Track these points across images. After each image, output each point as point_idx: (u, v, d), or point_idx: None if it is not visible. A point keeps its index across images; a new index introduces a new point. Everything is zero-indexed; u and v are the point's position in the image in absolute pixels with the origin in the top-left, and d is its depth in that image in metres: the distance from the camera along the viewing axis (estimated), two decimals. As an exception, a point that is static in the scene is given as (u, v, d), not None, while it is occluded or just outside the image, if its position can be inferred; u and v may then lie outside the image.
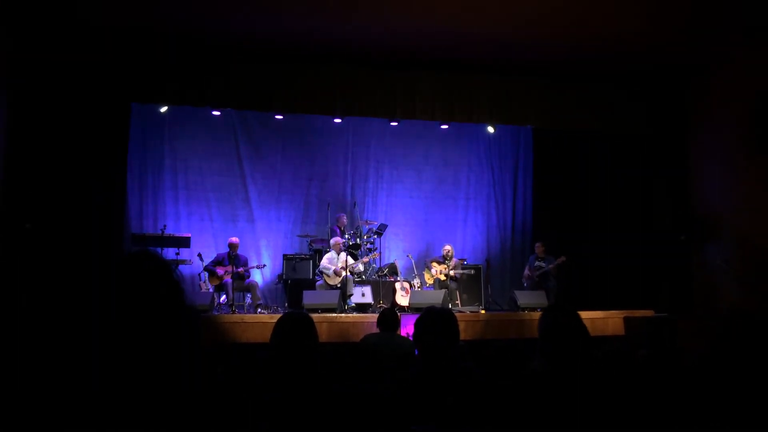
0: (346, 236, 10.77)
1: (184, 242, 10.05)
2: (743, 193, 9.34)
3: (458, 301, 10.53)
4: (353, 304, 9.79)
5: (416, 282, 10.60)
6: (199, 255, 9.98)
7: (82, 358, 1.12)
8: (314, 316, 3.97)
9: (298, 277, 10.39)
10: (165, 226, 10.07)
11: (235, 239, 10.10)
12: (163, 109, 10.34)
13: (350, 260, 10.12)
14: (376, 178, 12.43)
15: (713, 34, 8.92)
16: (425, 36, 8.98)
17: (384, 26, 8.68)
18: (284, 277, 10.56)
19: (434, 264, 10.75)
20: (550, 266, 10.49)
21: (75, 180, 9.54)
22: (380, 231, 11.13)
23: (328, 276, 10.01)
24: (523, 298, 9.74)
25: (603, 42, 9.08)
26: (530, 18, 8.37)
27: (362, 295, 9.88)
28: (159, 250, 9.18)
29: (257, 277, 10.60)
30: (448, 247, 10.75)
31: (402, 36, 8.99)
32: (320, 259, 10.34)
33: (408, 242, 12.19)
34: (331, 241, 10.29)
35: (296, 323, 3.05)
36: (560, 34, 8.84)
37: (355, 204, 11.93)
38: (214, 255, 10.12)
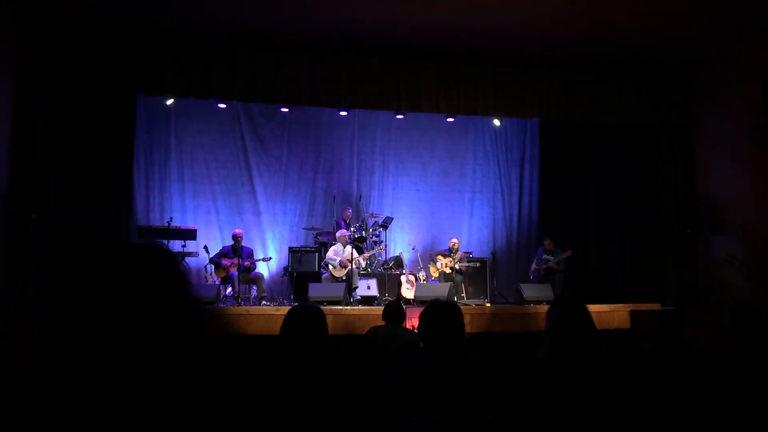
0: (352, 229, 10.79)
1: (191, 234, 10.06)
2: (749, 185, 9.31)
3: (464, 294, 10.53)
4: (359, 297, 9.82)
5: (422, 275, 10.61)
6: (205, 247, 10.00)
7: (86, 351, 1.12)
8: (320, 308, 3.97)
9: (303, 269, 10.41)
10: (171, 218, 10.09)
11: (239, 231, 10.12)
12: (169, 101, 10.36)
13: (356, 253, 10.15)
14: (382, 171, 12.43)
15: (720, 26, 8.88)
16: (430, 27, 8.96)
17: (389, 17, 8.67)
18: (290, 269, 10.59)
19: (440, 257, 10.75)
20: (556, 259, 10.52)
21: (81, 172, 9.61)
22: (386, 224, 11.13)
23: (334, 267, 10.02)
24: (529, 291, 9.72)
25: (609, 34, 9.05)
26: (535, 10, 8.34)
27: (368, 287, 9.89)
28: (165, 242, 9.21)
29: (263, 269, 10.63)
30: (454, 240, 10.77)
31: (407, 27, 8.96)
32: (326, 251, 10.36)
33: (413, 235, 12.19)
34: (337, 234, 10.31)
35: (307, 315, 3.06)
36: (566, 26, 8.80)
37: (360, 197, 11.95)
38: (220, 247, 10.15)
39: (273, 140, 11.97)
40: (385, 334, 5.54)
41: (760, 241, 8.97)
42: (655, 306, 9.28)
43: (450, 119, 10.89)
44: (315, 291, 9.07)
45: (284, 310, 8.13)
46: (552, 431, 2.73)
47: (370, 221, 11.34)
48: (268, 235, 11.78)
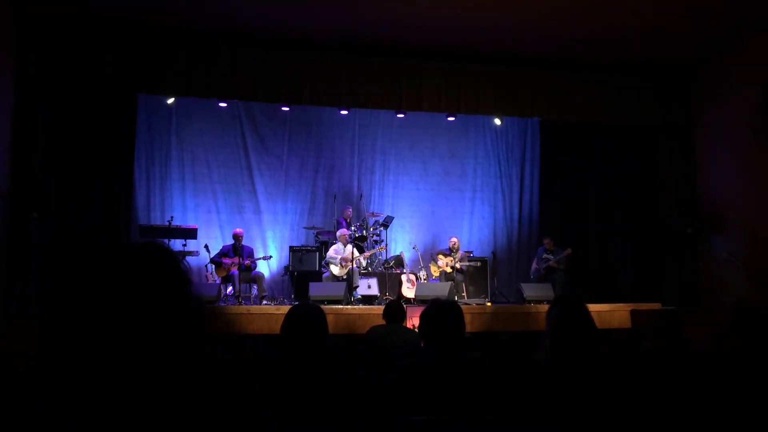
0: (352, 228, 10.79)
1: (191, 233, 10.07)
2: (749, 185, 9.30)
3: (464, 294, 10.54)
4: (359, 296, 9.82)
5: (422, 274, 10.60)
6: (206, 246, 10.00)
7: (86, 350, 1.13)
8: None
9: (304, 269, 10.41)
10: (172, 217, 10.10)
11: (239, 230, 10.13)
12: (170, 100, 10.36)
13: (356, 252, 10.15)
14: (383, 170, 12.43)
15: (720, 26, 8.88)
16: (430, 27, 8.96)
17: (389, 17, 8.66)
18: (291, 268, 10.59)
19: (440, 256, 10.75)
20: (556, 258, 10.54)
21: (82, 171, 9.61)
22: (387, 223, 11.13)
23: (335, 265, 10.03)
24: (530, 290, 9.72)
25: (609, 34, 9.05)
26: (535, 10, 8.34)
27: (368, 287, 9.89)
28: (166, 241, 9.22)
29: (263, 268, 10.63)
30: (454, 239, 10.77)
31: (407, 27, 8.96)
32: (326, 251, 10.36)
33: (414, 234, 12.19)
34: (338, 233, 10.31)
35: (307, 314, 3.06)
36: (566, 26, 8.81)
37: (361, 196, 11.94)
38: (221, 247, 10.15)
39: (274, 139, 11.98)
40: (386, 334, 5.54)
41: (760, 241, 8.97)
42: (656, 306, 9.28)
43: (451, 118, 10.88)
44: (315, 290, 9.07)
45: (285, 309, 8.13)
46: (552, 431, 2.74)
47: (371, 220, 11.35)
48: (269, 234, 11.78)
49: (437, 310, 3.20)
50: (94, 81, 8.88)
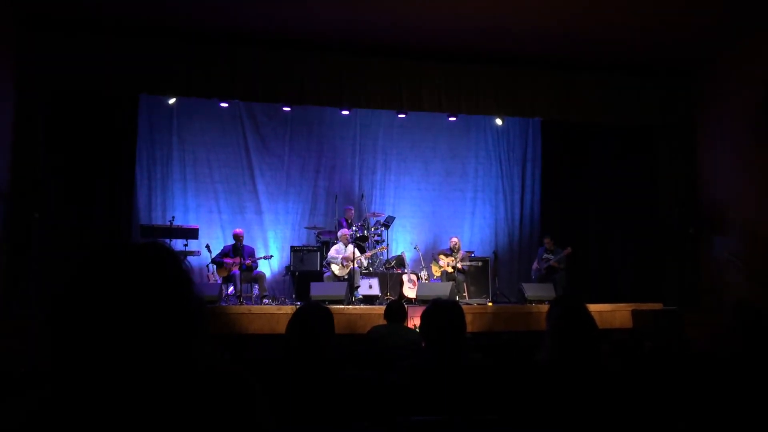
0: (353, 228, 10.78)
1: (192, 234, 10.07)
2: (750, 185, 9.29)
3: (465, 294, 10.53)
4: (360, 296, 9.82)
5: (423, 274, 10.60)
6: (207, 246, 10.00)
7: (85, 350, 1.13)
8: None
9: (305, 268, 10.41)
10: (173, 217, 10.11)
11: (239, 230, 10.14)
12: (171, 100, 10.37)
13: (358, 252, 10.15)
14: (384, 170, 12.43)
15: (720, 26, 8.87)
16: (430, 27, 8.95)
17: (389, 17, 8.66)
18: (292, 268, 10.59)
19: (442, 256, 10.75)
20: (557, 258, 10.55)
21: (83, 171, 9.62)
22: (388, 223, 11.13)
23: (336, 265, 10.02)
24: (531, 290, 9.71)
25: (609, 34, 9.05)
26: (536, 8, 8.34)
27: (369, 287, 9.88)
28: (168, 241, 9.20)
29: (265, 268, 10.64)
30: (455, 239, 10.77)
31: (407, 27, 8.96)
32: (328, 251, 10.36)
33: (416, 234, 12.18)
34: (339, 233, 10.31)
35: (314, 315, 3.07)
36: (566, 26, 8.80)
37: (362, 196, 11.94)
38: (222, 247, 10.15)
39: (275, 139, 11.99)
40: (387, 334, 5.54)
41: (760, 241, 8.96)
42: (658, 306, 9.27)
43: (452, 118, 10.88)
44: (317, 290, 9.06)
45: (286, 309, 8.17)
46: (553, 431, 2.74)
47: (372, 220, 11.34)
48: (270, 234, 11.79)
49: (438, 310, 3.20)
50: (95, 81, 8.88)
